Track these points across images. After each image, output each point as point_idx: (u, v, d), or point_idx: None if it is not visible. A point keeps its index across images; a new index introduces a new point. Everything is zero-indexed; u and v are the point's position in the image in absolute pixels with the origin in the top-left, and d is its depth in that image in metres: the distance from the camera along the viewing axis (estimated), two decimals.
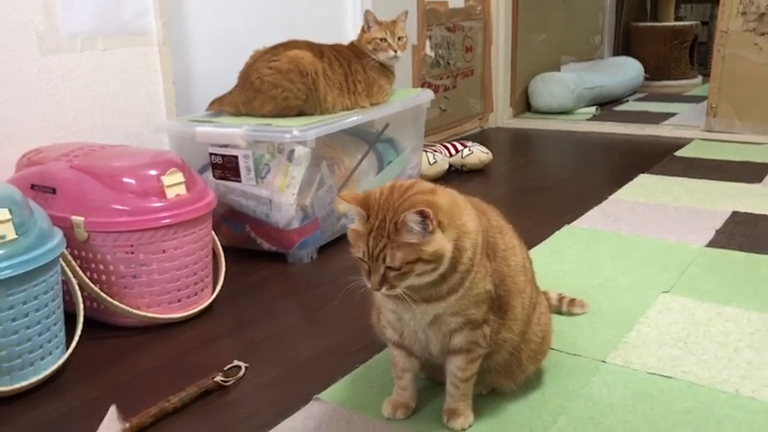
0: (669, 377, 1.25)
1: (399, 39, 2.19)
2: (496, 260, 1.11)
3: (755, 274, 1.69)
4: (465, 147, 2.83)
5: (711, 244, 1.89)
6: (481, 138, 3.52)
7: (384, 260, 0.97)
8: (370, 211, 0.99)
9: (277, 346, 1.46)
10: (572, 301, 1.53)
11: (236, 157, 1.85)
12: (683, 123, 3.51)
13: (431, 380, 1.25)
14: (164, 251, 1.50)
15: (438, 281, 1.02)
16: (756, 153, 2.88)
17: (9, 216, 1.23)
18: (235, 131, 1.83)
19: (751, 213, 2.13)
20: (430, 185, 1.06)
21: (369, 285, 1.01)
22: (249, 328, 1.55)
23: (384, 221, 0.97)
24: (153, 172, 1.51)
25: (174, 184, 1.51)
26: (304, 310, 1.67)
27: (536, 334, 1.20)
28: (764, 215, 2.11)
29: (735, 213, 2.13)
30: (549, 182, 2.70)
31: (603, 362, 1.32)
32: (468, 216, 1.06)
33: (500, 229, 1.16)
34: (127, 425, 1.13)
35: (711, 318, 1.47)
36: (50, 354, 1.32)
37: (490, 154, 2.83)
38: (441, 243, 0.98)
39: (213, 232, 1.68)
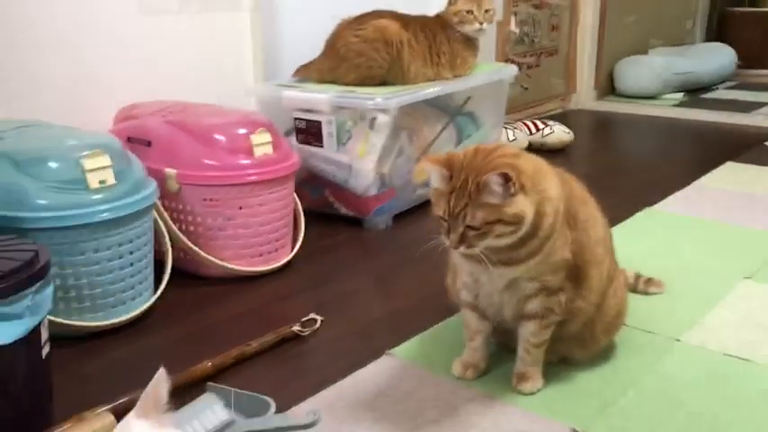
0: (746, 360, 1.23)
1: (486, 11, 2.17)
2: (577, 230, 1.11)
3: None
4: (546, 126, 2.80)
5: None
6: (563, 119, 3.47)
7: (464, 219, 0.99)
8: (453, 171, 1.01)
9: (351, 305, 1.50)
10: (649, 281, 1.51)
11: (319, 122, 1.90)
12: None
13: (501, 345, 1.26)
14: (249, 207, 1.56)
15: (517, 244, 1.03)
16: None
17: (110, 163, 1.31)
18: (320, 97, 1.87)
19: None
20: (514, 149, 1.07)
21: (447, 244, 1.03)
22: (324, 285, 1.60)
23: (466, 182, 0.99)
24: (242, 130, 1.57)
25: (262, 144, 1.57)
26: (377, 274, 1.70)
27: (611, 307, 1.20)
28: None
29: None
30: (630, 165, 2.65)
31: (678, 340, 1.30)
32: (551, 182, 1.07)
33: (582, 200, 1.17)
34: (209, 363, 1.19)
35: None
36: (140, 295, 1.40)
37: (572, 134, 2.80)
38: (522, 206, 0.99)
39: (295, 194, 1.74)
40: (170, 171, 1.54)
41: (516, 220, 0.99)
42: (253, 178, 1.55)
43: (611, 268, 1.20)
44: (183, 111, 1.66)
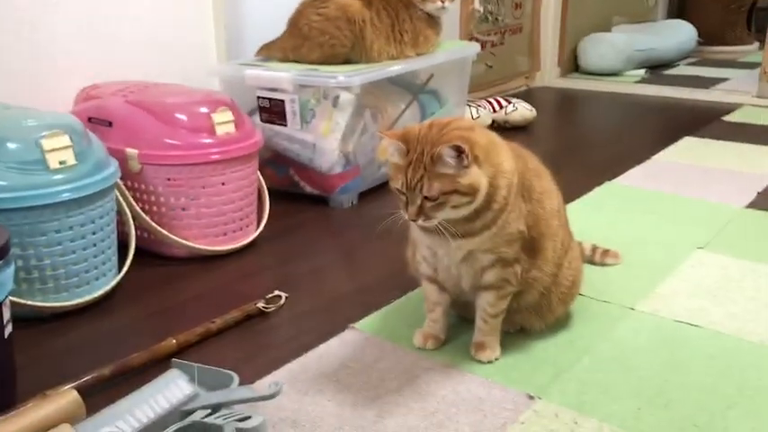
0: (696, 326, 1.28)
1: None
2: (531, 202, 1.15)
3: None
4: (509, 103, 2.83)
5: (752, 205, 1.89)
6: (527, 96, 3.50)
7: (421, 190, 1.01)
8: (410, 144, 1.03)
9: (315, 281, 1.52)
10: (605, 252, 1.55)
11: (282, 101, 1.90)
12: (735, 89, 3.44)
13: (461, 316, 1.29)
14: (212, 186, 1.57)
15: (472, 216, 1.06)
16: None
17: (70, 143, 1.31)
18: (282, 75, 1.88)
19: None
20: (469, 123, 1.10)
21: (406, 216, 1.05)
22: (290, 263, 1.62)
23: (422, 154, 1.02)
24: (204, 109, 1.57)
25: (224, 122, 1.57)
26: (342, 251, 1.73)
27: (566, 278, 1.24)
28: None
29: None
30: (592, 141, 2.69)
31: (632, 309, 1.35)
32: (505, 156, 1.09)
33: (537, 173, 1.20)
34: (174, 341, 1.21)
35: (745, 274, 1.48)
36: (104, 275, 1.40)
37: (534, 111, 2.83)
38: (476, 176, 1.02)
39: (259, 173, 1.74)
40: (131, 151, 1.53)
41: (471, 191, 1.02)
42: (215, 157, 1.55)
43: (565, 240, 1.23)
44: (145, 90, 1.65)
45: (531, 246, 1.15)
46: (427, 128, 1.05)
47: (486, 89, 3.34)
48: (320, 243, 1.76)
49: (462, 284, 1.17)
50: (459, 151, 0.99)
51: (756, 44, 4.73)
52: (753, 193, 1.97)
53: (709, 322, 1.29)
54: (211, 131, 1.55)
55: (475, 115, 2.69)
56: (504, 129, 2.79)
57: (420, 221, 1.05)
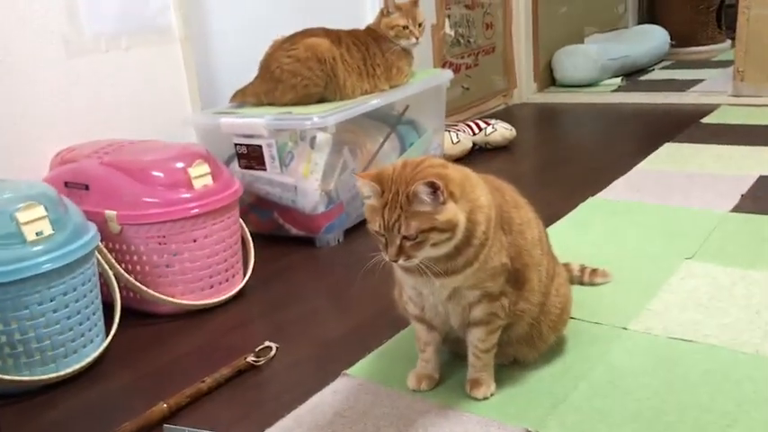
0: (690, 341, 1.27)
1: (419, 25, 2.21)
2: (512, 234, 1.14)
3: None
4: (488, 124, 2.84)
5: (736, 209, 1.89)
6: (506, 114, 3.53)
7: (399, 230, 1.01)
8: (384, 185, 1.03)
9: (306, 327, 1.51)
10: (594, 272, 1.55)
11: (260, 146, 1.90)
12: (710, 89, 3.47)
13: (454, 353, 1.28)
14: (194, 240, 1.56)
15: (454, 254, 1.05)
16: None
17: (45, 213, 1.30)
18: (257, 121, 1.88)
19: None
20: (441, 161, 1.09)
21: (387, 258, 1.05)
22: (279, 310, 1.60)
23: (398, 194, 1.01)
24: (180, 164, 1.56)
25: (201, 176, 1.57)
26: (332, 292, 1.71)
27: (555, 305, 1.23)
28: None
29: (762, 177, 2.11)
30: (573, 155, 2.70)
31: (625, 329, 1.34)
32: (481, 191, 1.09)
33: (515, 204, 1.19)
34: (165, 405, 1.19)
35: (734, 282, 1.48)
36: (91, 341, 1.39)
37: (513, 130, 2.84)
38: (453, 212, 1.01)
39: (242, 220, 1.74)
40: (110, 213, 1.52)
41: (449, 227, 1.01)
42: (195, 211, 1.54)
43: (550, 267, 1.23)
44: (120, 150, 1.65)
45: (516, 278, 1.14)
46: (401, 167, 1.05)
47: (464, 111, 3.36)
48: (309, 286, 1.74)
49: (451, 322, 1.16)
50: (434, 188, 0.99)
51: (728, 42, 4.78)
52: (736, 196, 1.97)
53: (703, 336, 1.28)
54: (189, 186, 1.55)
55: (455, 140, 2.70)
56: (485, 150, 2.80)
57: (401, 261, 1.04)
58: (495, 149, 2.80)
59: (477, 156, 2.73)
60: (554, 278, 1.23)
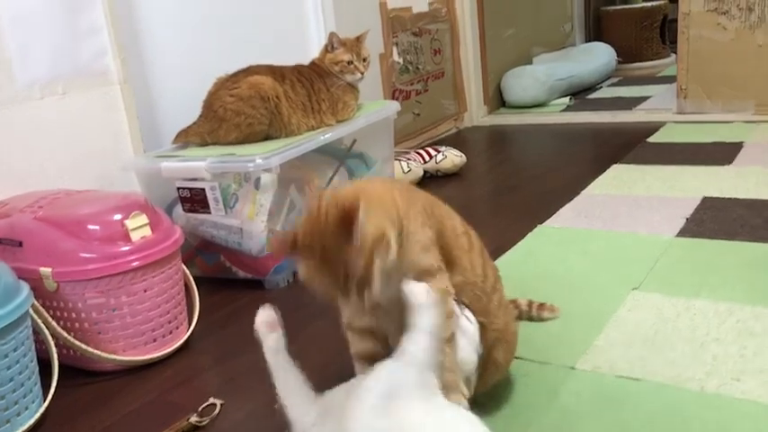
0: (637, 379, 1.27)
1: (364, 60, 2.20)
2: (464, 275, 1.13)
3: (724, 262, 1.70)
4: (438, 152, 2.84)
5: (682, 233, 1.91)
6: (457, 138, 3.55)
7: (346, 277, 0.97)
8: (303, 250, 1.00)
9: (256, 378, 1.47)
10: (541, 306, 1.54)
11: (202, 189, 1.87)
12: (656, 107, 3.53)
13: None
14: (134, 294, 1.51)
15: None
16: (727, 132, 2.90)
17: None
18: (199, 165, 1.84)
19: (721, 198, 2.14)
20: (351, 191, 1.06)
21: (349, 312, 1.01)
22: (228, 360, 1.56)
23: (321, 248, 0.98)
24: (117, 216, 1.52)
25: (139, 227, 1.52)
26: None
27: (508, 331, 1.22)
28: (734, 198, 2.13)
29: (705, 199, 2.14)
30: (522, 180, 2.71)
31: (572, 368, 1.33)
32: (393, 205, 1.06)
33: (468, 247, 1.17)
34: None
35: (679, 313, 1.49)
36: (27, 409, 1.33)
37: (464, 157, 2.85)
38: (375, 234, 0.97)
39: (185, 266, 1.70)
40: (45, 270, 1.47)
41: (382, 248, 0.97)
42: (135, 264, 1.50)
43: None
44: (54, 202, 1.60)
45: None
46: (309, 222, 1.00)
47: (416, 137, 3.37)
48: None
49: None
50: (348, 224, 0.96)
51: (673, 56, 4.88)
52: (681, 219, 2.00)
53: (649, 373, 1.28)
54: (127, 238, 1.50)
55: (406, 169, 2.69)
56: (437, 177, 2.80)
57: (367, 303, 0.99)
58: (447, 176, 2.81)
59: (429, 183, 2.73)
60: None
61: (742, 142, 2.74)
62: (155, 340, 1.56)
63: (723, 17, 3.08)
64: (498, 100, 3.98)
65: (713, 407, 1.17)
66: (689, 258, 1.75)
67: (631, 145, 2.90)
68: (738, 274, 1.63)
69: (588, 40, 5.09)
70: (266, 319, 1.11)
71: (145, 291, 1.52)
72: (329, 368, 1.44)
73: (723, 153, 2.61)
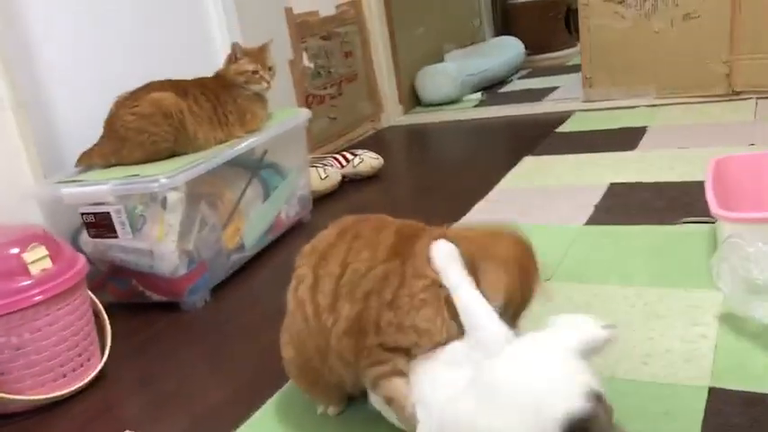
0: None
1: (269, 69, 2.18)
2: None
3: (630, 247, 1.76)
4: (355, 155, 2.83)
5: (590, 221, 1.96)
6: (375, 139, 3.55)
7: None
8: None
9: (180, 401, 1.43)
10: None
11: (107, 213, 1.80)
12: (564, 97, 3.62)
13: None
14: (38, 330, 1.45)
15: None
16: (631, 118, 3.00)
17: None
18: (101, 189, 1.78)
19: (626, 183, 2.21)
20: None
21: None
22: (145, 388, 1.52)
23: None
24: (14, 250, 1.45)
25: (38, 259, 1.46)
26: (204, 357, 1.64)
27: None
28: (638, 183, 2.19)
29: (612, 185, 2.21)
30: (438, 179, 2.73)
31: None
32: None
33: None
34: None
35: (589, 301, 1.52)
36: None
37: (381, 159, 2.85)
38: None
39: (94, 295, 1.64)
40: None
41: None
42: (37, 299, 1.44)
43: None
44: None
45: None
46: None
47: (333, 141, 3.35)
48: (178, 355, 1.66)
49: None
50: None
51: (578, 45, 5.02)
52: (590, 207, 2.05)
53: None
54: (26, 272, 1.44)
55: (323, 175, 2.67)
56: (355, 182, 2.79)
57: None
58: (366, 179, 2.80)
59: (347, 188, 2.72)
60: None
61: (646, 126, 2.83)
62: (65, 375, 1.50)
63: (620, 6, 3.18)
64: (413, 99, 4.01)
65: (623, 393, 1.20)
66: (597, 246, 1.80)
67: (542, 136, 2.96)
68: (644, 258, 1.69)
69: (497, 33, 5.18)
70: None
71: (50, 325, 1.46)
72: (253, 384, 1.42)
73: (628, 138, 2.69)
